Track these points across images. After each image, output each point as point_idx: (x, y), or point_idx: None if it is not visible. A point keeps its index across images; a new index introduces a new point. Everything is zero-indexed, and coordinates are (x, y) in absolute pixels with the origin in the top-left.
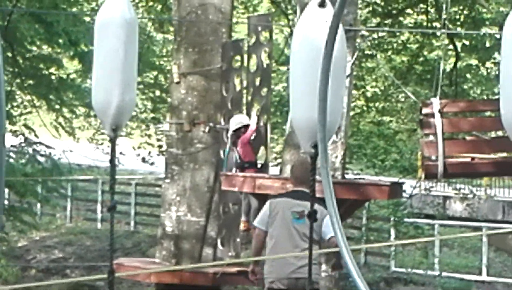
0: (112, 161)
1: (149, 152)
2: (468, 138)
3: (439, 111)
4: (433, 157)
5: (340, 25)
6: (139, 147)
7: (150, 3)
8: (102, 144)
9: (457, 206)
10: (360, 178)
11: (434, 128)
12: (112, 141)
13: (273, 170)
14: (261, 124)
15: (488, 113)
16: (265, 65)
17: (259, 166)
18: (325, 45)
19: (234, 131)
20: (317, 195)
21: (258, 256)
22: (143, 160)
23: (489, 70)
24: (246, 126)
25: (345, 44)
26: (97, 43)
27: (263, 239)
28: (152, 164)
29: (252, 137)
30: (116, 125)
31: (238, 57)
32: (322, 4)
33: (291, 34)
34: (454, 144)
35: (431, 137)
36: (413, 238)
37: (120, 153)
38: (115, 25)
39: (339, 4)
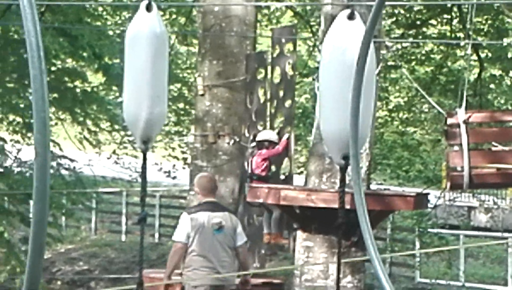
0: (143, 173)
1: (174, 165)
2: (493, 148)
3: (464, 121)
4: (459, 168)
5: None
6: (161, 162)
7: (174, 16)
8: (121, 159)
9: (481, 217)
10: (385, 189)
11: (459, 138)
12: (144, 154)
13: (297, 181)
14: (286, 138)
15: None
16: (288, 77)
17: (282, 177)
18: (357, 61)
19: (258, 142)
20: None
21: (175, 269)
22: (167, 173)
23: None
24: (271, 142)
25: (374, 58)
26: (128, 57)
27: (183, 253)
28: (174, 178)
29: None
30: (146, 138)
31: (262, 69)
32: (351, 17)
33: (314, 45)
34: (479, 154)
35: (456, 148)
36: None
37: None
38: (145, 39)
39: (371, 21)
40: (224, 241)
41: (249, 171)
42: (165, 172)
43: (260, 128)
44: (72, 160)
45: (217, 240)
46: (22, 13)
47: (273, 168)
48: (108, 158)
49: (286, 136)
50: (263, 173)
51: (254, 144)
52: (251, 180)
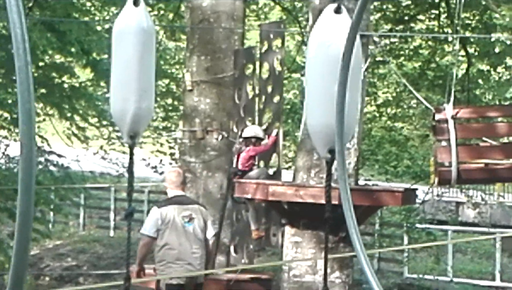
0: (130, 168)
1: (161, 160)
2: (481, 144)
3: (452, 117)
4: (446, 163)
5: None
6: (149, 157)
7: (162, 12)
8: (109, 154)
9: (469, 212)
10: (373, 184)
11: (448, 134)
12: (131, 149)
13: (286, 177)
14: (275, 134)
15: (500, 119)
16: (277, 73)
17: (270, 172)
18: (343, 57)
19: (244, 138)
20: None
21: (143, 261)
22: (154, 169)
23: (500, 75)
24: (258, 139)
25: (360, 52)
26: (115, 52)
27: (150, 246)
28: (161, 173)
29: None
30: (133, 132)
31: (250, 65)
32: (338, 11)
33: (303, 41)
34: (467, 150)
35: (444, 143)
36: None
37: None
38: (132, 33)
39: (356, 16)
40: (194, 233)
41: (234, 166)
42: (152, 167)
43: (248, 123)
44: (60, 156)
45: (187, 232)
46: (7, 5)
47: (261, 163)
48: (95, 154)
49: (274, 132)
50: (247, 169)
51: (241, 140)
52: (236, 175)
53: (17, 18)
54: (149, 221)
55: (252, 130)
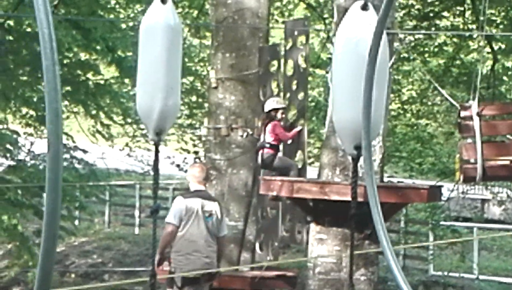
0: (155, 165)
1: (185, 158)
2: (506, 141)
3: (478, 114)
4: (472, 160)
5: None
6: (173, 156)
7: (186, 9)
8: (134, 151)
9: (495, 209)
10: (398, 181)
11: (473, 131)
12: (156, 146)
13: (310, 174)
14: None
15: None
16: (301, 70)
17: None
18: (369, 52)
19: (267, 112)
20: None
21: (165, 249)
22: (178, 166)
23: None
24: (277, 109)
25: (387, 49)
26: (142, 49)
27: (174, 234)
28: (186, 171)
29: (289, 142)
30: (159, 129)
31: (275, 62)
32: (364, 7)
33: (327, 38)
34: (492, 147)
35: (469, 140)
36: (451, 242)
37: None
38: (159, 30)
39: (383, 11)
40: (211, 228)
41: (261, 140)
42: (176, 165)
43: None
44: (85, 152)
45: (206, 226)
46: (34, 5)
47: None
48: (121, 150)
49: (299, 127)
50: (275, 142)
51: (264, 116)
52: (263, 148)
53: (44, 17)
54: (173, 210)
55: (271, 103)
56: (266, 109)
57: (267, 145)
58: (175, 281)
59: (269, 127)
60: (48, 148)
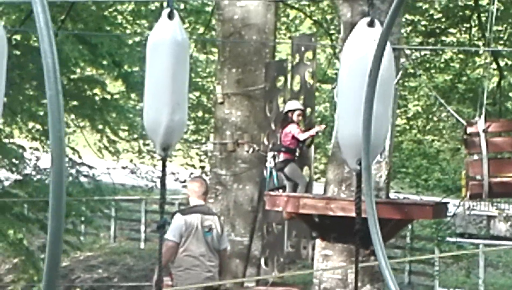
0: (162, 181)
1: (191, 174)
2: None
3: (484, 130)
4: (478, 177)
5: (389, 46)
6: (178, 172)
7: (193, 25)
8: (139, 168)
9: (501, 226)
10: (404, 198)
11: (479, 147)
12: (163, 161)
13: (316, 190)
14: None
15: None
16: (308, 85)
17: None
18: (370, 71)
19: (285, 113)
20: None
21: (165, 267)
22: (183, 183)
23: None
24: (293, 111)
25: (393, 65)
26: (149, 64)
27: (174, 251)
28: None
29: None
30: (166, 145)
31: (281, 77)
32: (371, 24)
33: (334, 54)
34: (499, 163)
35: (476, 157)
36: (456, 258)
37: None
38: (166, 46)
39: (386, 26)
40: (212, 243)
41: (278, 143)
42: (180, 181)
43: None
44: (91, 167)
45: (206, 241)
46: (39, 36)
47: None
48: (124, 168)
49: (317, 128)
50: (292, 146)
51: (282, 115)
52: (279, 151)
53: (48, 48)
54: (173, 227)
55: (286, 106)
56: (285, 110)
57: (283, 149)
58: None
59: (286, 129)
60: (52, 168)
